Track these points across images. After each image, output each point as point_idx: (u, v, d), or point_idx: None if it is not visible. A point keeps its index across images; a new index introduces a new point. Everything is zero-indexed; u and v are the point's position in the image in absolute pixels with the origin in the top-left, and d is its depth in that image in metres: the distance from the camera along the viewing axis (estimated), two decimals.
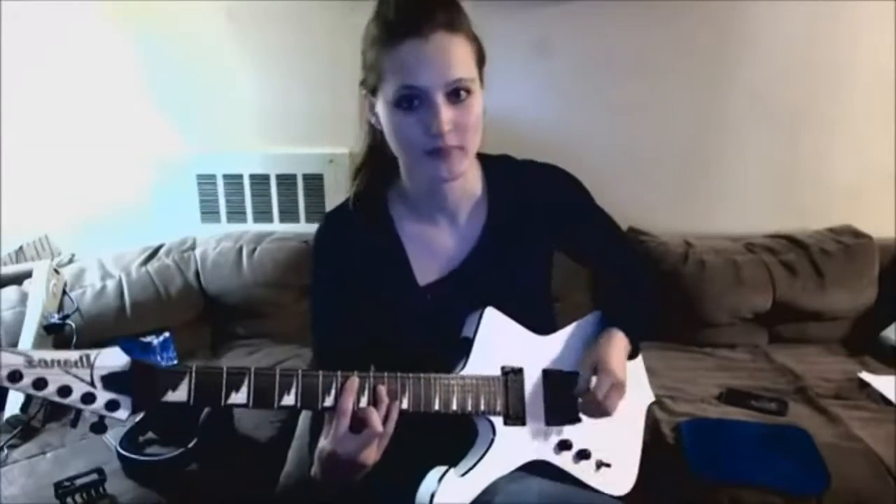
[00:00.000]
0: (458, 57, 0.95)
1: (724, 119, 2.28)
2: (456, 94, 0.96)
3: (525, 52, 2.20)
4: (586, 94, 2.27)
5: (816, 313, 2.19)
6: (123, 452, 1.48)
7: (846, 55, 2.19)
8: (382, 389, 0.93)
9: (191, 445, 1.49)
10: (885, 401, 1.82)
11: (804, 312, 2.18)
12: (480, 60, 1.01)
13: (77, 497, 1.38)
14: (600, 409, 1.07)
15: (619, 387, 1.07)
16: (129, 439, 1.53)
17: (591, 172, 1.19)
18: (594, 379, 1.07)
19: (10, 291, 1.92)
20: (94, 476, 1.41)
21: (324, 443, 0.93)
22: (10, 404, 1.64)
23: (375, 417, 0.91)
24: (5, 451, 1.58)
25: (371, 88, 1.00)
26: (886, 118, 2.20)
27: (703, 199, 2.38)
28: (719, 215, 2.37)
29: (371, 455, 0.92)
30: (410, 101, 0.95)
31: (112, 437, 1.59)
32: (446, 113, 0.95)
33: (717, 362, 2.10)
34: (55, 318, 1.82)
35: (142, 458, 1.49)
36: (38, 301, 1.85)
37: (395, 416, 0.93)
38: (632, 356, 1.17)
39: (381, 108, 1.00)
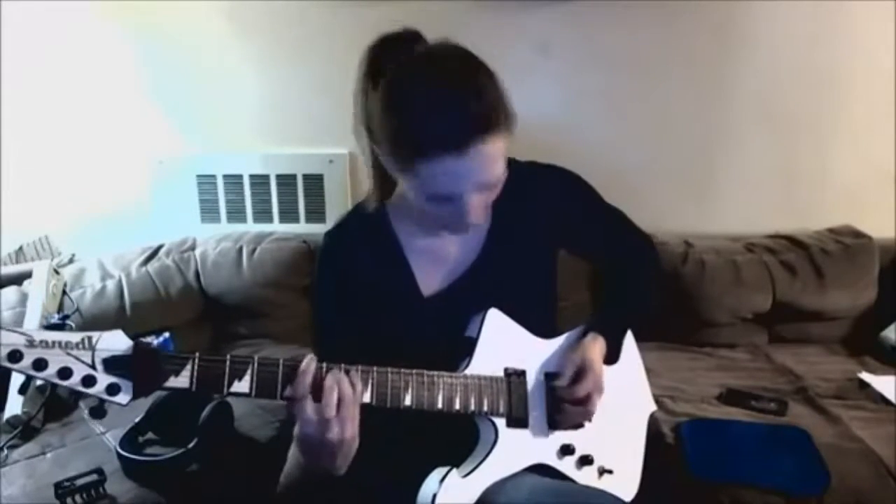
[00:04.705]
0: (493, 161, 0.93)
1: (725, 119, 2.28)
2: (486, 187, 0.96)
3: (526, 53, 2.20)
4: (586, 95, 2.27)
5: (816, 313, 2.19)
6: (123, 453, 1.48)
7: (846, 56, 2.19)
8: (337, 376, 0.90)
9: (191, 445, 1.49)
10: (885, 401, 1.82)
11: (804, 312, 2.18)
12: (512, 129, 0.96)
13: (77, 497, 1.37)
14: (580, 410, 1.07)
15: (599, 389, 1.08)
16: (129, 440, 1.52)
17: (590, 172, 1.18)
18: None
19: (10, 292, 1.92)
20: (94, 476, 1.40)
21: (296, 426, 0.92)
22: (10, 404, 1.64)
23: (325, 403, 0.87)
24: (5, 451, 1.57)
25: (395, 163, 0.96)
26: (886, 118, 2.21)
27: (703, 199, 2.38)
28: (719, 215, 2.37)
29: (333, 435, 0.87)
30: (439, 198, 0.95)
31: (112, 438, 1.59)
32: (478, 202, 0.96)
33: (717, 362, 2.10)
34: (55, 319, 1.81)
35: (142, 458, 1.49)
36: (38, 301, 1.85)
37: (348, 402, 0.89)
38: (611, 361, 1.16)
39: (405, 179, 0.97)
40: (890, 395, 1.83)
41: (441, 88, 0.90)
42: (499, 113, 0.92)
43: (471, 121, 0.89)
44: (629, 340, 1.27)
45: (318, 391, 0.88)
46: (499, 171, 0.95)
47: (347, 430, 0.89)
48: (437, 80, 0.91)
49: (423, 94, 0.90)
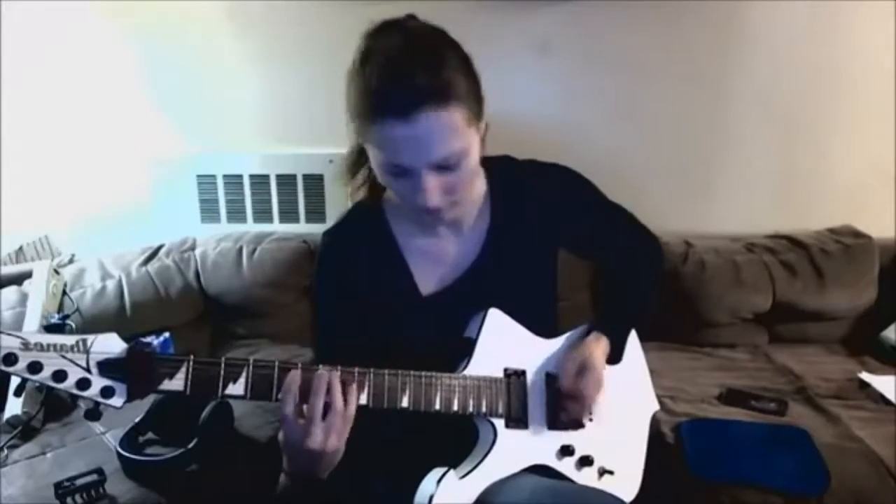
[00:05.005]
0: (445, 134, 0.89)
1: (725, 119, 2.28)
2: (445, 166, 0.92)
3: (526, 52, 2.20)
4: (587, 94, 2.27)
5: (816, 313, 2.19)
6: (123, 453, 1.48)
7: (846, 55, 2.19)
8: (332, 384, 0.89)
9: (191, 445, 1.49)
10: (885, 401, 1.82)
11: (804, 312, 2.19)
12: (478, 110, 0.95)
13: (77, 497, 1.37)
14: (579, 406, 1.07)
15: (599, 387, 1.08)
16: (129, 440, 1.52)
17: (590, 172, 1.18)
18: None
19: (10, 292, 1.92)
20: (94, 476, 1.40)
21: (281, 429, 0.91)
22: (10, 404, 1.63)
23: (311, 407, 0.87)
24: (5, 451, 1.57)
25: (358, 130, 0.96)
26: (886, 118, 2.21)
27: (703, 199, 2.38)
28: (719, 215, 2.37)
29: (315, 444, 0.86)
30: (397, 171, 0.93)
31: (112, 438, 1.59)
32: (434, 182, 0.92)
33: (717, 362, 2.10)
34: (55, 319, 1.81)
35: (142, 458, 1.49)
36: (38, 301, 1.85)
37: (337, 412, 0.88)
38: (613, 360, 1.16)
39: (369, 150, 0.96)
40: (890, 395, 1.83)
41: (400, 56, 0.89)
42: (456, 89, 0.89)
43: (421, 89, 0.86)
44: (633, 340, 1.27)
45: (306, 396, 0.87)
46: (453, 146, 0.90)
47: (331, 441, 0.87)
48: (398, 49, 0.90)
49: (382, 61, 0.89)
